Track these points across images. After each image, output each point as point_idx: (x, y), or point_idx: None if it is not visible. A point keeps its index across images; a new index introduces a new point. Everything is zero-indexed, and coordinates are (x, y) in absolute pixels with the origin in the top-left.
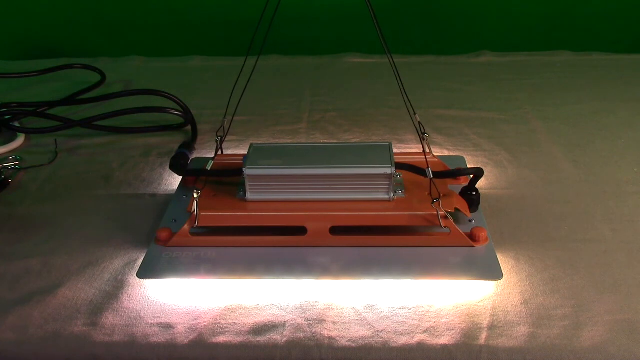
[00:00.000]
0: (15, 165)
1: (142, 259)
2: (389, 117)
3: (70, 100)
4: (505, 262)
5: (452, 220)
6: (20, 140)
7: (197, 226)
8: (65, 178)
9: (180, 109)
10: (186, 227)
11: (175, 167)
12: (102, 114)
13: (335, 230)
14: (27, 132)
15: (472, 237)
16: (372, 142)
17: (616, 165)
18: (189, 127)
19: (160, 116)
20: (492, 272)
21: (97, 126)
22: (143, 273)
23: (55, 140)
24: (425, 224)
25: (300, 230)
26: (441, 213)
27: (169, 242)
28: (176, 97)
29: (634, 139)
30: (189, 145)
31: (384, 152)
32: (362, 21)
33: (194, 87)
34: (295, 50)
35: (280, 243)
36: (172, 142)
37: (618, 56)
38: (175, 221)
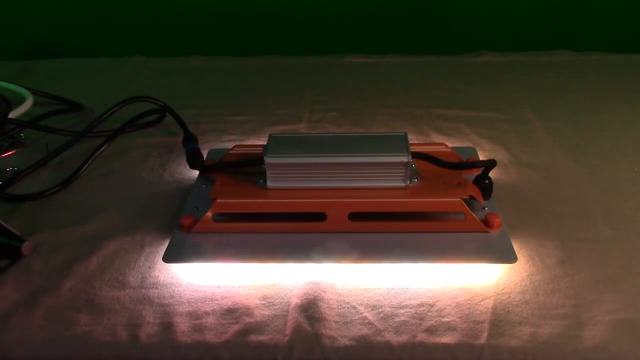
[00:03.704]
0: (14, 168)
1: (141, 261)
2: (389, 117)
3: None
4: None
5: (467, 207)
6: (30, 101)
7: (219, 213)
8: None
9: (156, 106)
10: (209, 213)
11: (195, 164)
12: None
13: (354, 217)
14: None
15: (487, 223)
16: (388, 132)
17: (616, 164)
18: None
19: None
20: (507, 256)
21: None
22: (168, 258)
23: (46, 144)
24: (441, 210)
25: (320, 217)
26: (456, 199)
27: (193, 228)
28: (148, 97)
29: (634, 139)
30: (190, 138)
31: (400, 141)
32: (362, 21)
33: (194, 87)
34: (295, 50)
35: (301, 229)
36: (173, 141)
37: (618, 56)
38: (197, 209)
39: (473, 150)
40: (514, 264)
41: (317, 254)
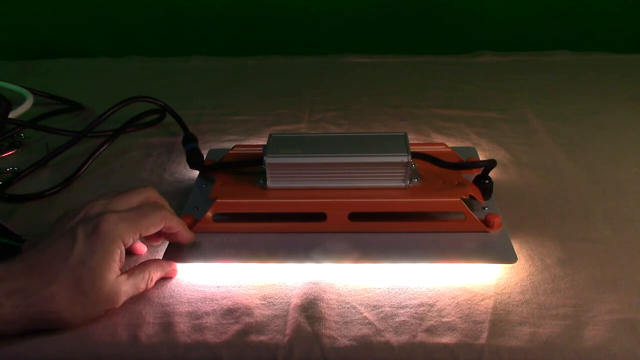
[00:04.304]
0: (14, 168)
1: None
2: (389, 117)
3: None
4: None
5: (467, 207)
6: (30, 101)
7: (219, 213)
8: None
9: (156, 106)
10: (209, 213)
11: (195, 164)
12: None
13: (354, 217)
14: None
15: (487, 223)
16: (388, 132)
17: (616, 164)
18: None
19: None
20: (507, 256)
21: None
22: (168, 257)
23: (46, 144)
24: (441, 210)
25: (320, 217)
26: (456, 199)
27: (193, 228)
28: (148, 97)
29: (634, 139)
30: (190, 138)
31: (400, 141)
32: (362, 21)
33: (194, 87)
34: (295, 50)
35: (301, 229)
36: (173, 141)
37: (618, 56)
38: (197, 209)
39: (473, 150)
40: (514, 264)
41: (317, 254)
